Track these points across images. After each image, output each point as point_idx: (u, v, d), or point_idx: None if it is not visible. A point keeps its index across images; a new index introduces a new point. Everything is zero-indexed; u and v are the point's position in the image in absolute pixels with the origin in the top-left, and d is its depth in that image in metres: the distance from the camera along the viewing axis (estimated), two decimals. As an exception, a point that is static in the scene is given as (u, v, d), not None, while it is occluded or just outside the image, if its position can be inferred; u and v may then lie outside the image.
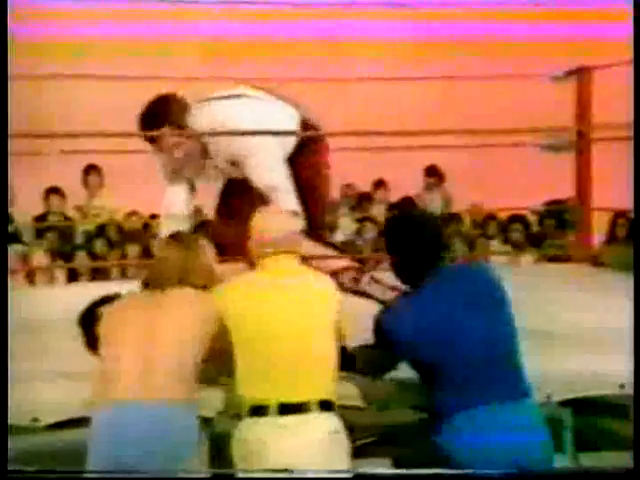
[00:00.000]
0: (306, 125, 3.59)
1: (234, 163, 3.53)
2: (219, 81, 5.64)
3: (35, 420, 2.85)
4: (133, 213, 6.78)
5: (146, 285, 2.91)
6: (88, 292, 4.63)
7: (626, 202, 4.38)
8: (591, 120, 4.72)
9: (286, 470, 2.65)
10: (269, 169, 3.43)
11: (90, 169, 6.84)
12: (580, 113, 4.71)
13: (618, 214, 5.64)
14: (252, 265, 2.95)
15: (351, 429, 2.82)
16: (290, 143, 3.55)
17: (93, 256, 6.29)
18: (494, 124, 5.73)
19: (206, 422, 2.94)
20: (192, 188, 3.70)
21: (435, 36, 7.64)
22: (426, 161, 7.23)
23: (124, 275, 5.98)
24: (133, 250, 6.22)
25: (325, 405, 2.75)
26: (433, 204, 7.26)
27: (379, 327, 2.86)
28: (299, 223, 3.05)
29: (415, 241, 2.86)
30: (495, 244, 6.43)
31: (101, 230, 6.54)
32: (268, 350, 2.76)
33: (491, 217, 6.66)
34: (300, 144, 3.56)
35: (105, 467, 2.62)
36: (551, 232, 6.38)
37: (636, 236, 3.03)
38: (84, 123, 5.57)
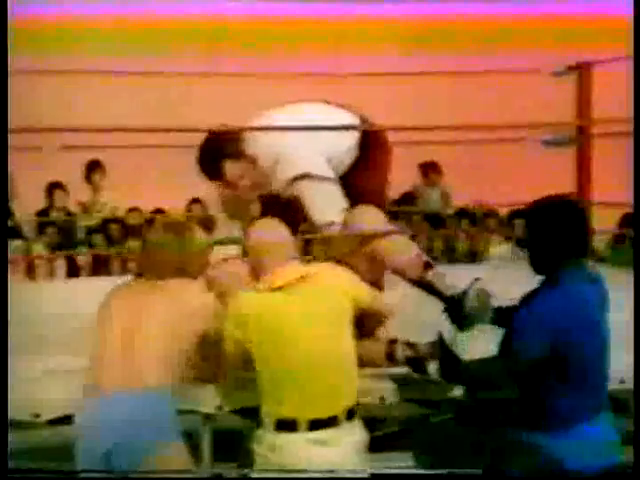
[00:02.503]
0: (367, 132, 3.49)
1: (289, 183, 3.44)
2: (220, 77, 5.65)
3: (36, 416, 2.86)
4: (134, 209, 6.78)
5: (139, 275, 2.91)
6: (88, 287, 4.66)
7: (626, 197, 4.37)
8: (591, 115, 4.72)
9: (294, 471, 2.66)
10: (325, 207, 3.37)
11: (92, 164, 6.84)
12: (580, 108, 4.71)
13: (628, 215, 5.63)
14: (257, 280, 2.89)
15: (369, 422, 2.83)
16: (349, 156, 3.46)
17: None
18: (494, 119, 5.74)
19: (207, 418, 2.95)
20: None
21: (435, 29, 7.63)
22: (425, 156, 7.22)
23: (125, 270, 5.99)
24: (134, 246, 6.22)
25: (351, 413, 2.74)
26: (432, 200, 7.26)
27: (525, 317, 2.70)
28: (285, 230, 2.95)
29: (562, 230, 2.73)
30: (497, 238, 6.43)
31: (102, 226, 6.55)
32: (290, 366, 2.71)
33: (491, 213, 6.66)
34: (360, 155, 3.47)
35: (87, 455, 2.66)
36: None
37: (636, 232, 3.02)
38: (86, 118, 5.59)
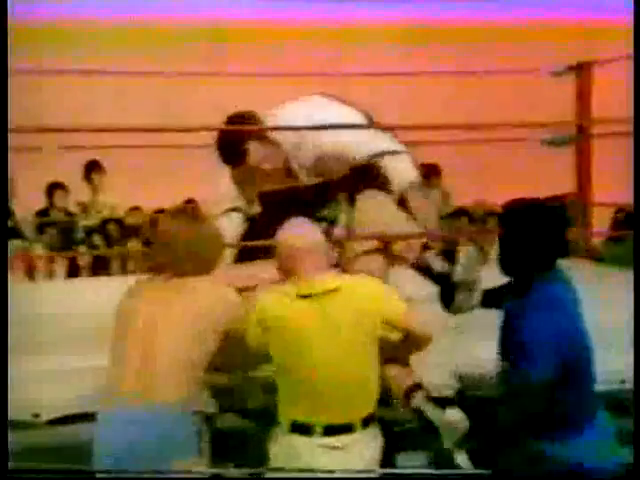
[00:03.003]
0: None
1: (317, 170, 3.46)
2: (220, 77, 5.65)
3: (36, 416, 2.85)
4: (135, 209, 6.78)
5: (154, 272, 2.81)
6: (88, 287, 4.66)
7: (626, 197, 4.38)
8: (591, 115, 4.72)
9: (306, 470, 2.66)
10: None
11: (92, 165, 6.84)
12: (580, 108, 4.71)
13: (619, 210, 5.64)
14: (284, 281, 2.79)
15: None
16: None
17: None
18: (494, 119, 5.73)
19: (207, 418, 2.94)
20: (243, 215, 3.58)
21: (436, 29, 7.63)
22: (425, 156, 7.22)
23: (125, 270, 5.99)
24: (133, 246, 6.22)
25: (367, 421, 2.72)
26: (431, 200, 7.25)
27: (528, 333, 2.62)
28: (320, 235, 2.85)
29: (540, 233, 2.69)
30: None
31: (101, 226, 6.55)
32: (308, 375, 2.68)
33: (490, 213, 6.65)
34: None
35: (104, 465, 2.61)
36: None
37: (636, 232, 3.02)
38: (86, 118, 5.58)
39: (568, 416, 2.67)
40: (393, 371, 2.92)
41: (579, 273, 4.53)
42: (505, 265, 2.74)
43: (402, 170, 3.45)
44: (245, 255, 3.43)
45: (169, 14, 7.23)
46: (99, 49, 6.75)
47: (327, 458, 2.65)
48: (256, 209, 3.54)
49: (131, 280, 2.97)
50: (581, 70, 4.73)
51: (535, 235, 2.68)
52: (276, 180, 3.51)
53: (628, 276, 3.27)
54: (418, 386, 2.95)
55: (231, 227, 3.45)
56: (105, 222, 6.58)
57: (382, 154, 3.42)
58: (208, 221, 2.88)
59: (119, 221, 6.61)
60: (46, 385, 3.04)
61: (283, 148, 3.44)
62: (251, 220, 3.58)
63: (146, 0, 7.18)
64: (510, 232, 2.72)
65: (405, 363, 3.00)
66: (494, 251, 6.21)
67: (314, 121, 3.38)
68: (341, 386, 2.68)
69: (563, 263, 5.14)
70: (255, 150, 3.38)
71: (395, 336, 2.75)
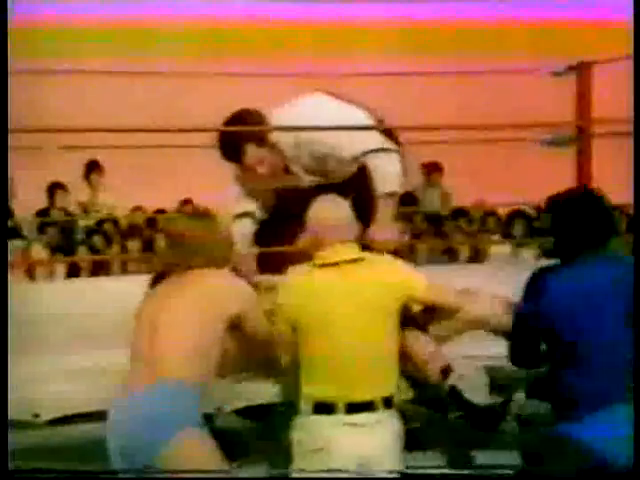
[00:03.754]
0: (384, 130, 3.55)
1: (315, 170, 3.49)
2: (218, 77, 5.65)
3: (36, 416, 2.86)
4: (138, 208, 6.79)
5: (164, 273, 2.87)
6: (88, 287, 4.65)
7: (626, 197, 4.38)
8: (591, 115, 4.72)
9: (343, 470, 2.67)
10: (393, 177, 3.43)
11: (92, 165, 6.85)
12: (580, 108, 4.70)
13: (614, 209, 5.63)
14: (309, 258, 2.86)
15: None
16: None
17: (93, 252, 6.30)
18: (495, 119, 5.74)
19: (207, 418, 2.95)
20: (255, 220, 3.61)
21: (436, 29, 7.64)
22: (425, 156, 7.23)
23: (125, 270, 5.99)
24: (133, 245, 6.23)
25: (388, 402, 2.76)
26: (432, 200, 7.27)
27: (534, 282, 2.78)
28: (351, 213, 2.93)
29: (584, 221, 2.81)
30: (496, 239, 6.44)
31: (101, 226, 6.55)
32: (332, 347, 2.72)
33: (490, 213, 6.67)
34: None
35: (116, 449, 2.67)
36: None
37: (636, 233, 3.03)
38: (87, 118, 5.59)
39: (570, 396, 2.68)
40: (429, 347, 2.96)
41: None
42: (560, 252, 2.84)
43: (388, 174, 3.44)
44: (261, 260, 3.44)
45: (165, 14, 7.25)
46: (97, 50, 6.76)
47: (350, 437, 2.69)
48: (265, 213, 3.56)
49: (131, 280, 2.99)
50: (581, 70, 4.73)
51: (590, 219, 2.81)
52: (275, 181, 3.52)
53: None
54: (449, 367, 3.01)
55: (243, 233, 3.50)
56: (104, 222, 6.59)
57: (371, 153, 3.42)
58: (220, 222, 2.97)
59: (116, 221, 6.62)
60: (45, 385, 3.04)
61: (282, 149, 3.45)
62: (260, 223, 3.60)
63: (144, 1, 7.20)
64: (561, 220, 2.85)
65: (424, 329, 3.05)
66: (492, 250, 6.25)
67: (313, 120, 3.40)
68: (364, 359, 2.72)
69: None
70: (252, 152, 3.40)
71: (416, 308, 2.84)
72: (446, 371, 3.07)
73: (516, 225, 6.34)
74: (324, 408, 2.72)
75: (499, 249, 6.25)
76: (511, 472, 2.77)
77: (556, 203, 2.96)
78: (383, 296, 2.76)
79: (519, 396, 3.07)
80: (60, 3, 7.08)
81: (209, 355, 2.71)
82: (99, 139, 5.09)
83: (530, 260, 5.90)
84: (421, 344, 3.06)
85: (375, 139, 3.47)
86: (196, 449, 2.64)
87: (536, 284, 2.77)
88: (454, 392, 3.15)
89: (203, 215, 2.97)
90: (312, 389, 2.74)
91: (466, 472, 2.79)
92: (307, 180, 3.52)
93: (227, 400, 2.98)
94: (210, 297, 2.75)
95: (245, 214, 3.54)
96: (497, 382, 3.19)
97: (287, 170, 3.51)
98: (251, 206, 3.57)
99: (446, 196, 7.45)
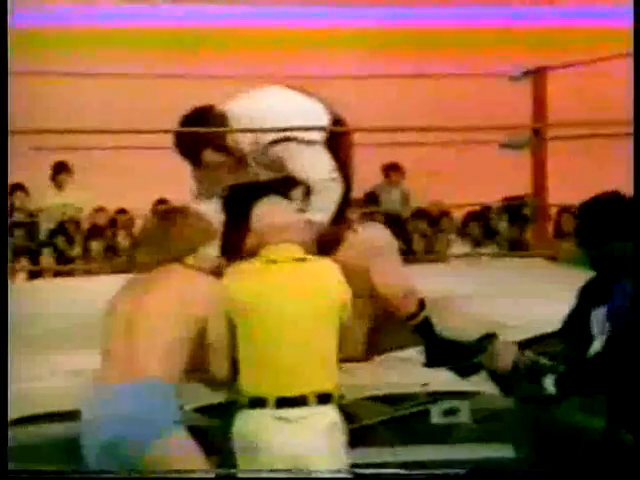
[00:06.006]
0: (336, 122, 3.56)
1: (273, 168, 3.48)
2: (187, 79, 5.68)
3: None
4: (100, 209, 6.80)
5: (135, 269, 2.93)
6: (50, 288, 4.66)
7: (580, 198, 4.50)
8: (547, 118, 4.85)
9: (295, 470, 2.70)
10: (314, 164, 3.39)
11: (59, 166, 6.84)
12: (536, 112, 4.83)
13: (564, 209, 5.78)
14: (253, 255, 2.93)
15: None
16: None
17: (58, 253, 6.30)
18: (454, 122, 5.85)
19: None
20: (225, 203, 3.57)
21: (400, 33, 7.74)
22: (385, 158, 7.33)
23: (88, 271, 5.99)
24: (97, 246, 6.24)
25: (323, 398, 2.79)
26: (392, 200, 7.36)
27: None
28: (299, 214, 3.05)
29: (619, 224, 2.72)
30: (453, 238, 6.54)
31: (62, 227, 6.55)
32: (268, 342, 2.78)
33: (445, 213, 6.76)
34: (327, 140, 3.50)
35: (89, 450, 2.69)
36: (509, 227, 6.51)
37: (636, 233, 3.07)
38: (53, 119, 5.59)
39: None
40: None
41: (533, 271, 4.68)
42: (597, 261, 2.77)
43: (315, 164, 3.42)
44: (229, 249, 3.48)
45: (140, 16, 7.27)
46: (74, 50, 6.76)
47: (280, 431, 2.73)
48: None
49: (96, 281, 3.02)
50: (536, 75, 4.85)
51: (624, 226, 2.72)
52: (232, 178, 3.54)
53: (581, 275, 3.36)
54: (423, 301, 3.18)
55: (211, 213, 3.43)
56: (68, 223, 6.58)
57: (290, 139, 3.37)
58: (193, 216, 2.98)
59: (78, 222, 6.62)
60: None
61: (240, 147, 3.46)
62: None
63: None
64: (602, 226, 2.75)
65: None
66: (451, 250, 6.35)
67: (268, 110, 3.42)
68: (297, 355, 2.78)
69: (520, 262, 5.27)
70: (210, 157, 3.41)
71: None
72: (422, 304, 3.22)
73: (473, 226, 6.45)
74: (257, 403, 2.77)
75: (457, 249, 6.35)
76: (462, 470, 2.79)
77: (595, 207, 2.81)
78: (321, 295, 2.84)
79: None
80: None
81: (182, 354, 2.75)
82: (66, 141, 5.11)
83: (488, 260, 6.01)
84: (395, 279, 3.23)
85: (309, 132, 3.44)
86: (181, 448, 2.67)
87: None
88: (426, 324, 3.26)
89: (171, 211, 3.01)
90: (247, 384, 2.80)
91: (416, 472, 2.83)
92: (263, 175, 3.53)
93: (189, 398, 3.01)
94: (179, 298, 2.79)
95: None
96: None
97: (245, 164, 3.51)
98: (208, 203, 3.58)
99: (406, 196, 7.55)
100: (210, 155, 3.40)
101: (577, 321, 2.86)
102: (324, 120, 3.52)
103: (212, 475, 2.77)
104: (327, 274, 2.90)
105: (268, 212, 2.94)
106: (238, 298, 2.82)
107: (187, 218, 2.96)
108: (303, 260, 2.89)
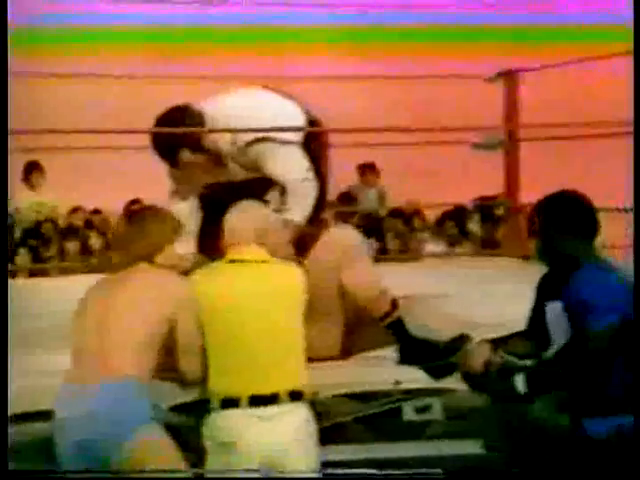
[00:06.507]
0: (312, 123, 3.60)
1: (251, 168, 3.51)
2: (162, 79, 5.68)
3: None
4: (77, 209, 6.78)
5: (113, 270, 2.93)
6: (25, 288, 4.65)
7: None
8: (519, 120, 4.91)
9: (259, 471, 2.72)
10: (290, 164, 3.43)
11: (31, 166, 6.82)
12: (508, 113, 4.89)
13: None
14: (222, 256, 2.98)
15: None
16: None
17: (34, 253, 6.29)
18: (429, 123, 5.89)
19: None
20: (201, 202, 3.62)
21: (374, 34, 7.77)
22: (361, 158, 7.36)
23: (63, 271, 5.99)
24: (73, 246, 6.23)
25: (295, 395, 2.82)
26: (368, 199, 7.39)
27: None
28: (271, 217, 3.09)
29: (575, 220, 2.80)
30: (427, 237, 6.57)
31: (36, 227, 6.53)
32: (237, 341, 2.81)
33: (417, 212, 6.80)
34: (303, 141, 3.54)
35: (63, 448, 2.69)
36: (481, 227, 6.55)
37: (636, 233, 3.12)
38: (27, 120, 5.57)
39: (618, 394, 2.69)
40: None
41: (506, 271, 4.73)
42: (547, 255, 2.85)
43: (292, 164, 3.46)
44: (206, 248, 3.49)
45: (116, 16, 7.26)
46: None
47: (254, 429, 2.75)
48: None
49: (72, 281, 3.03)
50: (509, 77, 4.91)
51: (577, 221, 2.80)
52: (210, 177, 3.56)
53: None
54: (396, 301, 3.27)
55: (187, 212, 3.51)
56: (44, 223, 6.57)
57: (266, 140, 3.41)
58: (159, 211, 2.99)
59: (54, 222, 6.60)
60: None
61: (218, 147, 3.48)
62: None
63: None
64: (554, 222, 2.82)
65: None
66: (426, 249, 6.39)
67: (246, 109, 3.46)
68: (268, 353, 2.81)
69: (492, 261, 5.31)
70: (187, 158, 3.43)
71: None
72: (395, 304, 3.27)
73: (448, 225, 6.49)
74: (230, 403, 2.79)
75: (433, 248, 6.39)
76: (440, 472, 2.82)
77: (551, 204, 2.88)
78: (286, 294, 2.90)
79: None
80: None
81: (154, 353, 2.77)
82: (42, 141, 5.10)
83: (463, 259, 6.06)
84: (367, 279, 3.28)
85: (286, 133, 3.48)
86: (157, 447, 2.68)
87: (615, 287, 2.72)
88: (399, 324, 3.30)
89: (138, 211, 3.03)
90: (218, 385, 2.82)
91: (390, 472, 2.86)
92: (241, 175, 3.56)
93: (165, 396, 3.03)
94: (148, 297, 2.81)
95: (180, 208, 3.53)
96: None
97: (222, 163, 3.53)
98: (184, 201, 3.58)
99: (382, 196, 7.58)
100: (187, 155, 3.43)
101: (537, 318, 2.91)
102: (300, 121, 3.56)
103: (188, 475, 2.77)
104: (290, 275, 2.96)
105: (236, 215, 2.99)
106: (206, 298, 2.86)
107: (154, 217, 2.97)
108: (267, 262, 2.94)
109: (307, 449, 2.83)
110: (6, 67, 3.18)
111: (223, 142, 3.48)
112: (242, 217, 2.98)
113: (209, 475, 2.84)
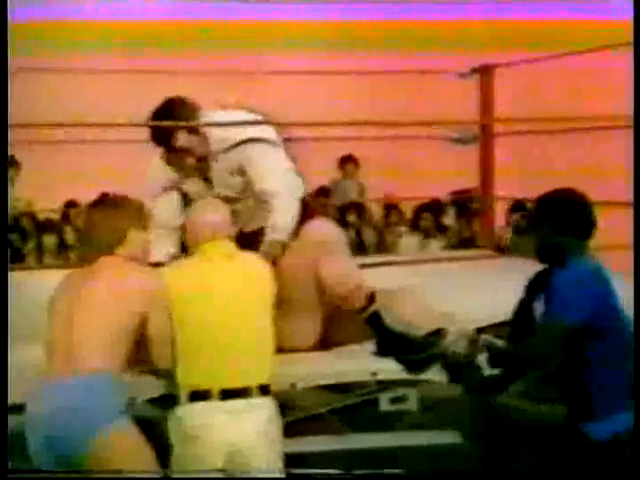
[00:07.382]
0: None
1: (236, 172, 3.54)
2: (140, 74, 5.67)
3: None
4: (73, 203, 6.74)
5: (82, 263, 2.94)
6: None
7: (526, 191, 4.61)
8: (493, 114, 4.95)
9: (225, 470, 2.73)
10: (272, 175, 3.47)
11: (10, 160, 6.78)
12: (483, 108, 4.93)
13: (515, 204, 5.88)
14: (190, 255, 3.03)
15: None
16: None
17: (11, 247, 6.26)
18: (406, 117, 5.92)
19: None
20: (185, 199, 3.62)
21: (352, 29, 7.80)
22: (339, 152, 7.39)
23: (41, 263, 5.98)
24: (49, 240, 6.21)
25: (264, 389, 2.85)
26: (348, 192, 7.41)
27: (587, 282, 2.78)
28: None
29: (568, 219, 2.87)
30: (403, 230, 6.60)
31: (14, 221, 6.50)
32: (209, 335, 2.84)
33: (393, 206, 6.83)
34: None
35: (32, 443, 2.69)
36: (456, 220, 6.59)
37: (636, 232, 3.17)
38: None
39: (601, 394, 2.74)
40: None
41: (482, 263, 4.78)
42: (543, 252, 2.93)
43: (278, 164, 3.51)
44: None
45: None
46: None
47: (223, 423, 2.77)
48: (193, 186, 3.60)
49: (48, 275, 3.02)
50: (484, 72, 4.95)
51: (574, 222, 2.88)
52: (197, 172, 3.58)
53: (529, 266, 3.45)
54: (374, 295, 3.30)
55: (172, 207, 3.56)
56: (22, 217, 6.55)
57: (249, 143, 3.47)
58: (118, 201, 3.00)
59: (32, 215, 6.58)
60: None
61: (210, 142, 3.52)
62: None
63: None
64: (552, 221, 2.89)
65: None
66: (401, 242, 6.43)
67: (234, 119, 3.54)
68: (238, 347, 2.84)
69: (467, 254, 5.37)
70: (182, 138, 3.47)
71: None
72: (372, 298, 3.29)
73: (423, 218, 6.52)
74: (199, 395, 2.80)
75: (408, 241, 6.42)
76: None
77: (546, 204, 2.96)
78: (255, 287, 2.95)
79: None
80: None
81: (124, 346, 2.77)
82: (20, 135, 5.08)
83: (438, 252, 6.10)
84: (344, 273, 3.32)
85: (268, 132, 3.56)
86: (126, 442, 2.67)
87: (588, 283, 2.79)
88: (375, 317, 3.34)
89: (96, 204, 3.03)
90: (188, 378, 2.83)
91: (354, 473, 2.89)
92: (224, 190, 3.54)
93: (141, 390, 3.04)
94: (113, 291, 2.81)
95: (171, 187, 3.60)
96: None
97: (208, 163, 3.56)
98: (173, 179, 3.61)
99: (361, 189, 7.60)
100: (183, 137, 3.46)
101: (523, 311, 2.99)
102: (273, 135, 3.60)
103: (155, 475, 2.75)
104: (258, 268, 3.00)
105: (199, 212, 3.04)
106: (178, 291, 2.87)
107: (113, 205, 2.98)
108: (236, 255, 2.98)
109: (273, 443, 2.85)
110: (6, 65, 3.18)
111: (212, 139, 3.52)
112: (212, 212, 3.03)
113: (175, 475, 2.83)
